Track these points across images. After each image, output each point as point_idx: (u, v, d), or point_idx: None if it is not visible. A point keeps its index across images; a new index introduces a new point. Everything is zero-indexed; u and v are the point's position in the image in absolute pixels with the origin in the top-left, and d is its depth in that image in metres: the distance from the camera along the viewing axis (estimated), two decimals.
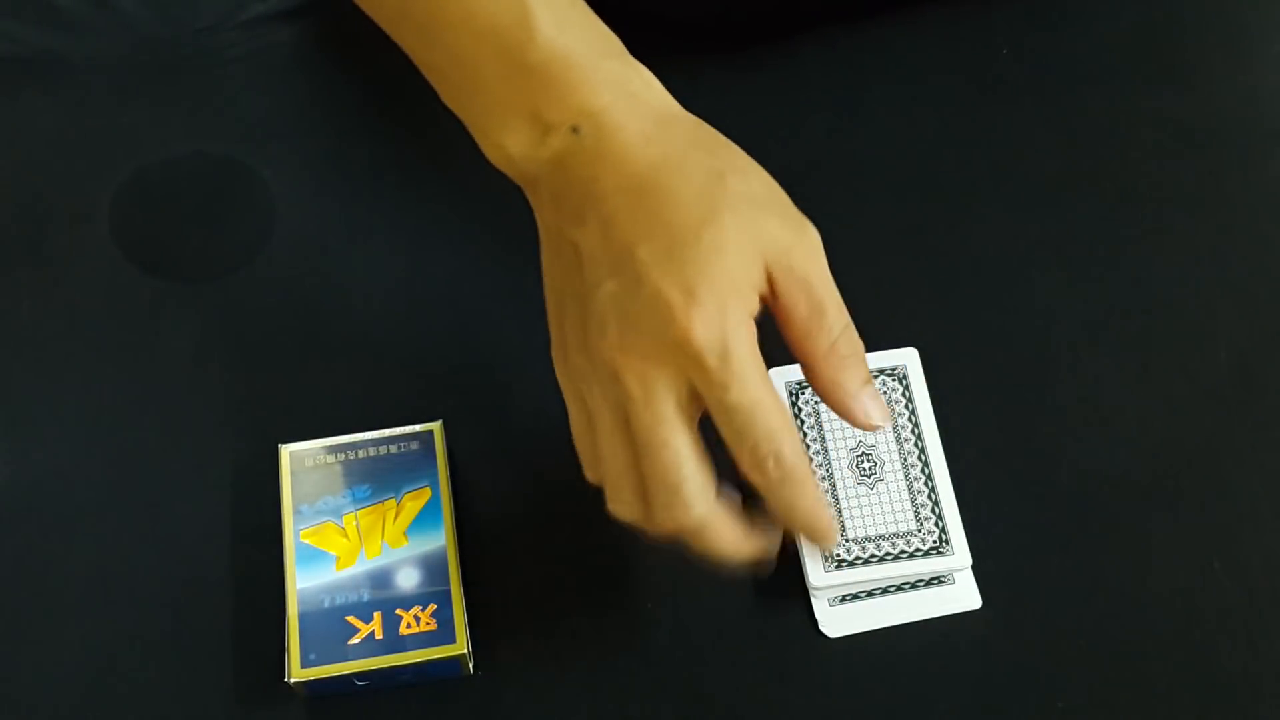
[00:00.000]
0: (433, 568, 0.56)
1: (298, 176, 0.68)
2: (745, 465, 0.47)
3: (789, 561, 0.58)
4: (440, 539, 0.57)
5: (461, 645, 0.55)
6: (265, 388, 0.63)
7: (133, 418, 0.63)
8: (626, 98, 0.48)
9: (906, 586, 0.58)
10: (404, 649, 0.55)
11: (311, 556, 0.56)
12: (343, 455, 0.59)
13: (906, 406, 0.60)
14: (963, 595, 0.58)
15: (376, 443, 0.59)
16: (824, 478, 0.58)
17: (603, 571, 0.59)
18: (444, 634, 0.55)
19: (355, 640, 0.55)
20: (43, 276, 0.66)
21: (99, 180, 0.68)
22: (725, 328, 0.46)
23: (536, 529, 0.60)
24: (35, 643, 0.58)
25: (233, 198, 0.68)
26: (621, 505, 0.49)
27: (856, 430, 0.59)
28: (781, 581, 0.58)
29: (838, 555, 0.57)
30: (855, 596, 0.58)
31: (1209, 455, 0.61)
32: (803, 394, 0.60)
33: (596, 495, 0.60)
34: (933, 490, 0.58)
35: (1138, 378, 0.63)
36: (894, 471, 0.59)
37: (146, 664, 0.57)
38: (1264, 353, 0.63)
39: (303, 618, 0.55)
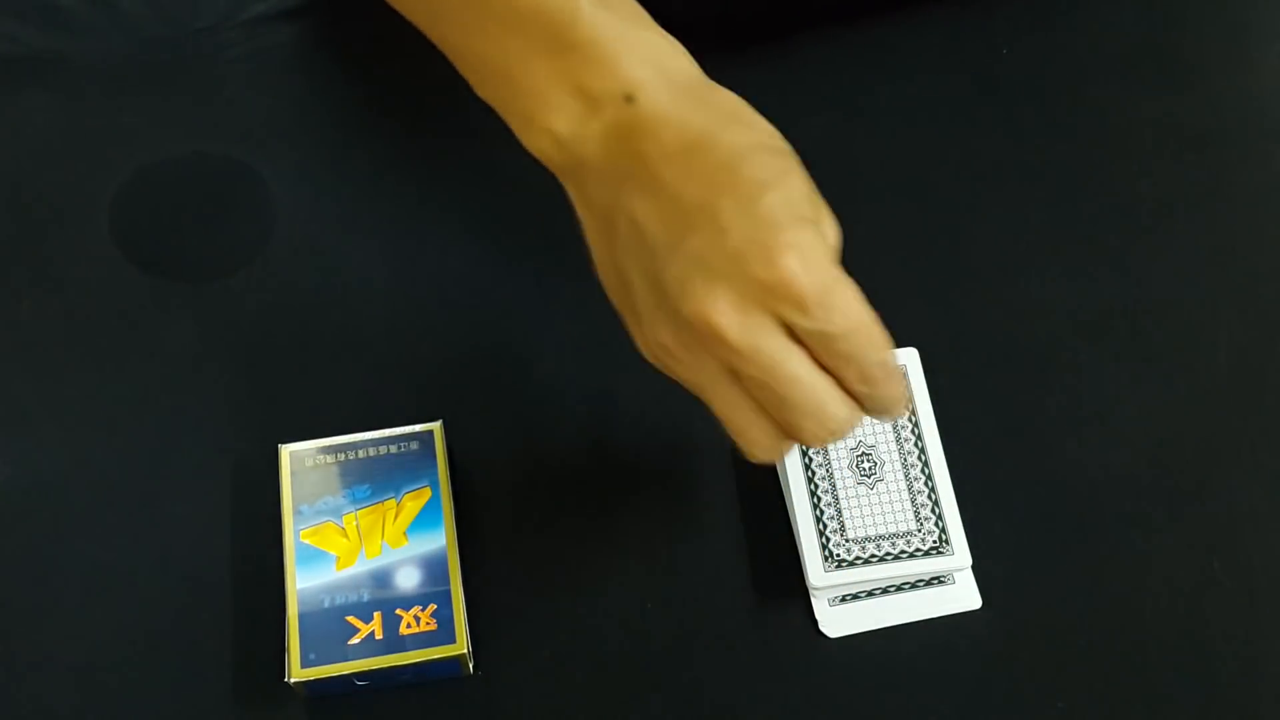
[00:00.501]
0: (433, 568, 0.56)
1: (298, 176, 0.68)
2: (851, 381, 0.47)
3: (789, 562, 0.59)
4: (440, 539, 0.57)
5: (461, 645, 0.55)
6: (265, 388, 0.63)
7: (133, 418, 0.63)
8: (671, 69, 0.48)
9: (906, 586, 0.58)
10: (404, 649, 0.55)
11: (311, 556, 0.56)
12: (343, 455, 0.59)
13: (906, 406, 0.60)
14: (963, 595, 0.58)
15: (376, 443, 0.59)
16: (824, 478, 0.59)
17: (602, 572, 0.59)
18: (444, 634, 0.55)
19: (355, 640, 0.55)
20: (43, 276, 0.66)
21: (99, 180, 0.68)
22: (821, 262, 0.45)
23: (536, 529, 0.60)
24: (35, 642, 0.58)
25: (233, 198, 0.68)
26: (763, 451, 0.48)
27: (857, 430, 0.59)
28: (781, 581, 0.58)
29: (838, 555, 0.57)
30: (855, 596, 0.58)
31: (1209, 455, 0.61)
32: None
33: (596, 495, 0.60)
34: (933, 490, 0.58)
35: (1138, 378, 0.63)
36: (894, 471, 0.59)
37: (146, 664, 0.57)
38: (1264, 353, 0.63)
39: (303, 618, 0.55)
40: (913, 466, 0.59)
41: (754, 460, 0.49)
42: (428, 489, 0.58)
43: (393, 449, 0.59)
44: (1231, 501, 0.60)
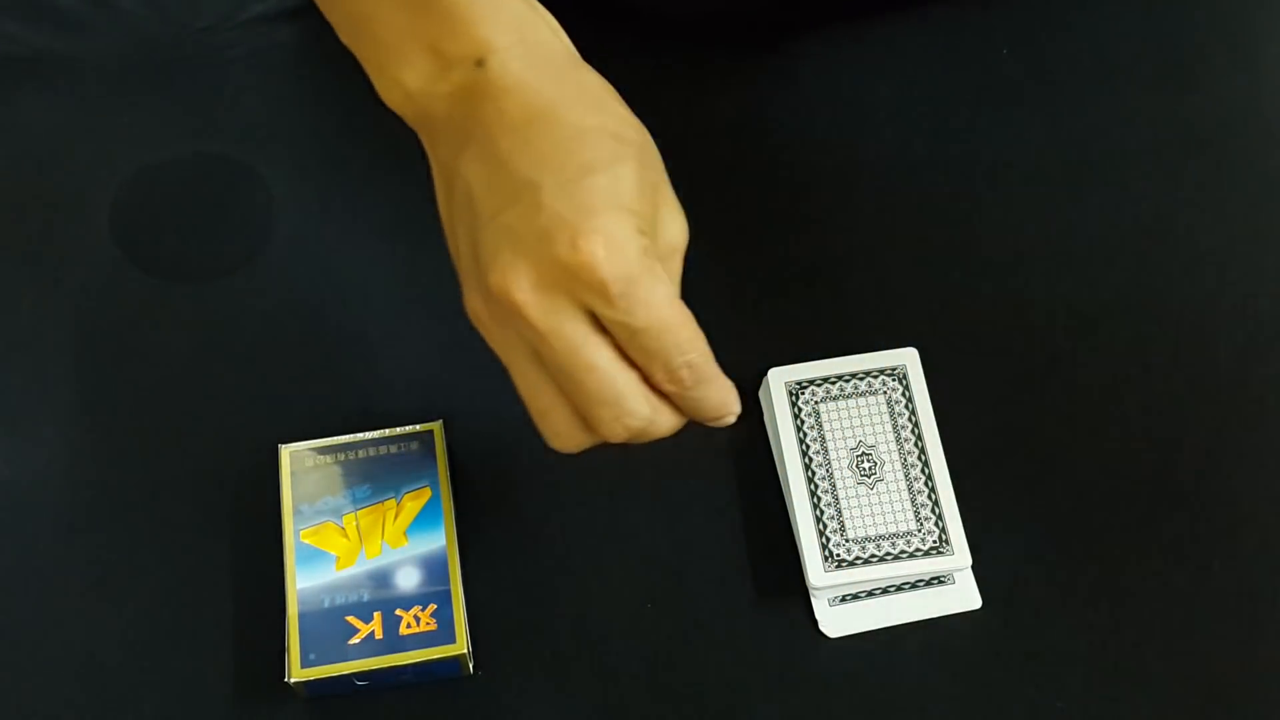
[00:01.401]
0: (433, 568, 0.56)
1: (298, 176, 0.68)
2: (658, 379, 0.46)
3: (789, 562, 0.59)
4: (440, 539, 0.57)
5: (461, 645, 0.55)
6: (265, 388, 0.63)
7: (133, 418, 0.63)
8: (531, 41, 0.47)
9: (906, 586, 0.58)
10: (404, 649, 0.55)
11: (311, 556, 0.56)
12: (343, 455, 0.59)
13: (906, 406, 0.60)
14: (963, 595, 0.58)
15: (376, 443, 0.59)
16: (824, 478, 0.58)
17: (602, 572, 0.59)
18: (444, 634, 0.55)
19: (355, 640, 0.55)
20: (43, 276, 0.66)
21: (99, 180, 0.68)
22: (628, 252, 0.44)
23: (536, 529, 0.60)
24: (35, 642, 0.58)
25: (233, 198, 0.68)
26: (561, 439, 0.48)
27: (857, 430, 0.59)
28: (781, 581, 0.58)
29: (838, 555, 0.57)
30: (855, 596, 0.58)
31: (1209, 455, 0.61)
32: (802, 394, 0.60)
33: (596, 495, 0.60)
34: (933, 490, 0.58)
35: (1138, 377, 0.63)
36: (894, 471, 0.59)
37: (146, 664, 0.57)
38: (1264, 353, 0.63)
39: (303, 618, 0.55)
40: (913, 466, 0.59)
41: (556, 448, 0.48)
42: (428, 489, 0.58)
43: (393, 449, 0.59)
44: (1231, 501, 0.60)
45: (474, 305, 0.47)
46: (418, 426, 0.59)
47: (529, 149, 0.45)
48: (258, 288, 0.65)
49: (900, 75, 0.70)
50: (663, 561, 0.59)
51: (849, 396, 0.60)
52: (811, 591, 0.58)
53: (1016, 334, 0.64)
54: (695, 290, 0.65)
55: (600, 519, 0.60)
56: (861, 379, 0.60)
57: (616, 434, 0.47)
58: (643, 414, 0.47)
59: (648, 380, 0.47)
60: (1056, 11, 0.71)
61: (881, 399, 0.60)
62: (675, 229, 0.48)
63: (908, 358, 0.61)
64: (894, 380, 0.60)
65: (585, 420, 0.47)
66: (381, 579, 0.56)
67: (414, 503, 0.58)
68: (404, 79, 0.48)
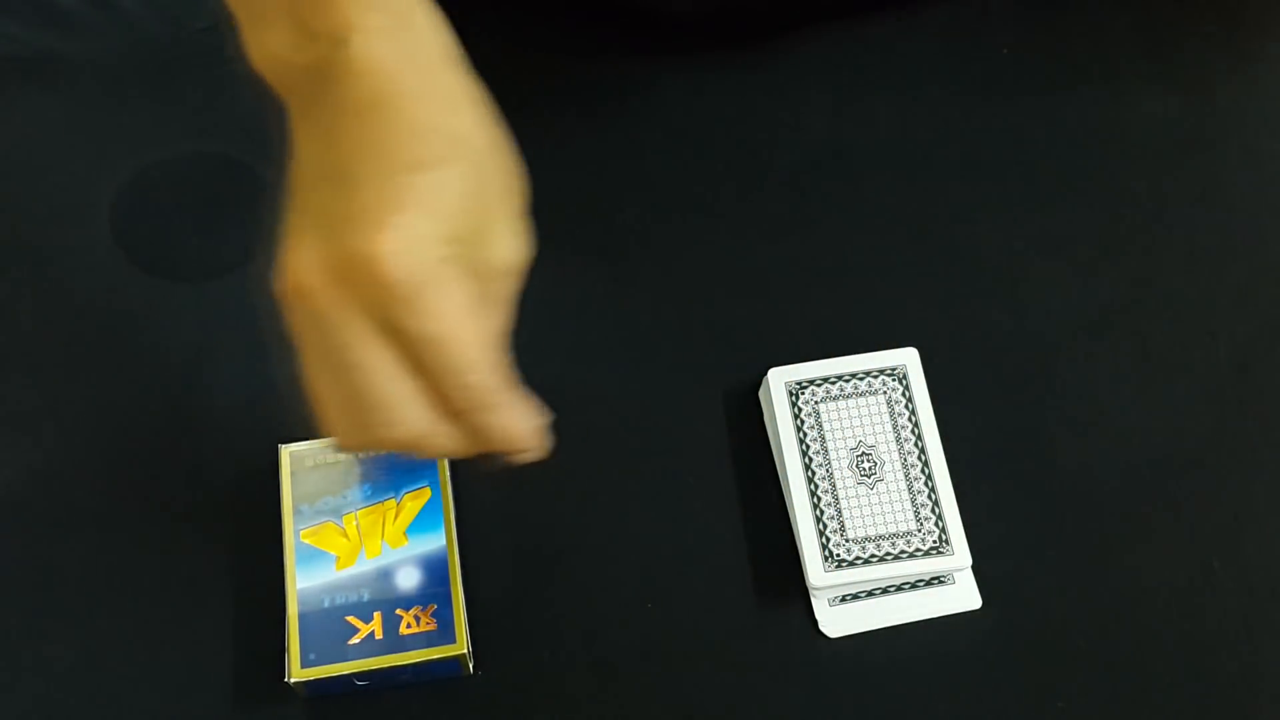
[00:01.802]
0: (433, 568, 0.56)
1: None
2: (434, 394, 0.44)
3: (789, 562, 0.59)
4: (440, 539, 0.57)
5: (461, 645, 0.55)
6: (265, 388, 0.63)
7: (133, 418, 0.63)
8: (403, 26, 0.46)
9: (906, 586, 0.58)
10: (404, 649, 0.55)
11: (311, 556, 0.56)
12: (342, 455, 0.59)
13: (906, 406, 0.60)
14: (963, 595, 0.58)
15: None
16: (824, 478, 0.58)
17: (602, 572, 0.59)
18: (444, 634, 0.55)
19: (355, 640, 0.55)
20: (43, 276, 0.66)
21: (99, 180, 0.68)
22: (422, 255, 0.42)
23: (536, 529, 0.60)
24: (35, 642, 0.58)
25: (233, 198, 0.68)
26: (337, 435, 0.46)
27: (856, 430, 0.59)
28: (781, 581, 0.58)
29: (838, 555, 0.57)
30: (855, 596, 0.58)
31: (1209, 455, 0.61)
32: (802, 394, 0.60)
33: (596, 495, 0.60)
34: (933, 490, 0.58)
35: (1138, 377, 0.63)
36: (894, 471, 0.59)
37: (146, 664, 0.57)
38: (1264, 353, 0.63)
39: (303, 618, 0.55)
40: (913, 466, 0.59)
41: (334, 444, 0.47)
42: (428, 489, 0.58)
43: None
44: (1231, 501, 0.60)
45: (277, 275, 0.45)
46: None
47: (362, 135, 0.44)
48: (257, 288, 0.65)
49: (900, 75, 0.70)
50: (663, 561, 0.59)
51: (849, 396, 0.60)
52: (811, 591, 0.58)
53: (1016, 334, 0.64)
54: (696, 290, 0.65)
55: (600, 519, 0.60)
56: (861, 379, 0.60)
57: (386, 440, 0.45)
58: (415, 426, 0.44)
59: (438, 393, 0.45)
60: (1056, 11, 0.71)
61: (881, 399, 0.60)
62: (505, 249, 0.46)
63: (908, 358, 0.61)
64: (894, 380, 0.60)
65: (360, 420, 0.45)
66: (381, 579, 0.56)
67: (414, 503, 0.58)
68: (267, 43, 0.47)
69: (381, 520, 0.57)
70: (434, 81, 0.46)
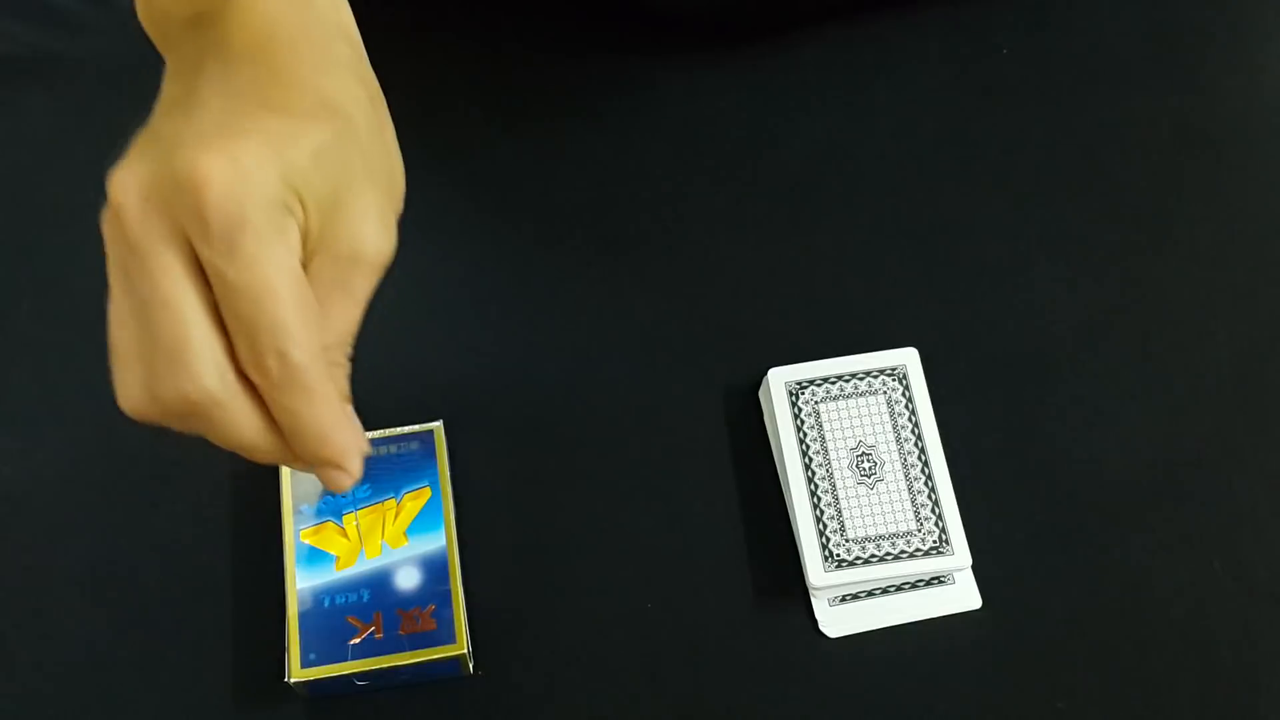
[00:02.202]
0: (433, 568, 0.56)
1: None
2: (242, 358, 0.39)
3: (789, 562, 0.59)
4: (440, 539, 0.57)
5: (461, 645, 0.55)
6: None
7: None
8: None
9: (906, 586, 0.58)
10: (404, 649, 0.55)
11: (311, 556, 0.56)
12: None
13: (906, 406, 0.60)
14: (963, 595, 0.58)
15: (376, 443, 0.59)
16: (824, 478, 0.58)
17: (602, 571, 0.59)
18: (444, 634, 0.55)
19: (355, 640, 0.55)
20: (43, 276, 0.66)
21: (99, 180, 0.68)
22: (252, 190, 0.38)
23: (536, 529, 0.60)
24: (34, 642, 0.58)
25: None
26: (124, 389, 0.41)
27: (857, 430, 0.59)
28: (781, 581, 0.58)
29: (838, 555, 0.57)
30: (855, 596, 0.58)
31: (1209, 455, 0.61)
32: (802, 394, 0.60)
33: (596, 495, 0.60)
34: (933, 490, 0.58)
35: (1138, 378, 0.63)
36: (894, 471, 0.59)
37: (146, 664, 0.57)
38: (1264, 353, 0.63)
39: (303, 618, 0.55)
40: (913, 466, 0.59)
41: (121, 404, 0.41)
42: (428, 489, 0.58)
43: (393, 449, 0.59)
44: (1231, 501, 0.60)
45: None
46: (418, 426, 0.59)
47: (226, 76, 0.41)
48: None
49: (900, 75, 0.70)
50: (663, 561, 0.59)
51: (849, 396, 0.60)
52: (811, 591, 0.58)
53: (1016, 334, 0.64)
54: (696, 290, 0.65)
55: (600, 519, 0.60)
56: (861, 379, 0.60)
57: (173, 398, 0.39)
58: (206, 384, 0.39)
59: (237, 361, 0.39)
60: (1056, 11, 0.71)
61: (881, 399, 0.60)
62: (366, 234, 0.41)
63: (908, 358, 0.61)
64: (894, 380, 0.60)
65: (149, 369, 0.40)
66: (381, 579, 0.56)
67: (414, 503, 0.58)
68: None
69: (381, 520, 0.57)
70: (319, 45, 0.42)
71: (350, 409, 0.43)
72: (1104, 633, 0.57)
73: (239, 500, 0.60)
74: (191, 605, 0.58)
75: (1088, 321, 0.64)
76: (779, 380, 0.60)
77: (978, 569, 0.58)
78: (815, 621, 0.58)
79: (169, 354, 0.39)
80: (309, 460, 0.42)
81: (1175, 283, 0.65)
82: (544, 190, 0.68)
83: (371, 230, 0.42)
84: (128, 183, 0.39)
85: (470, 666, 0.56)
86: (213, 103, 0.40)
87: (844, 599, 0.58)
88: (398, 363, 0.63)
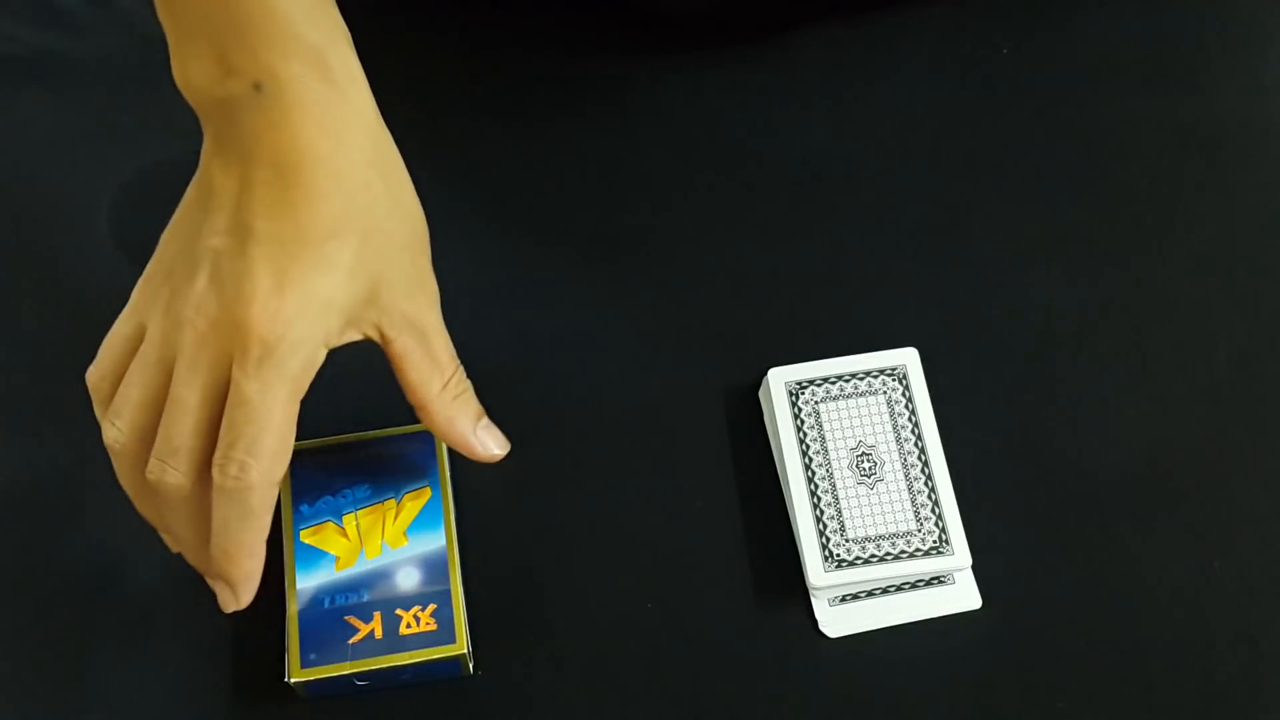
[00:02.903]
0: (433, 568, 0.56)
1: None
2: (216, 455, 0.48)
3: (789, 562, 0.59)
4: (440, 539, 0.57)
5: (462, 645, 0.55)
6: None
7: None
8: (322, 80, 0.47)
9: (906, 586, 0.58)
10: (404, 649, 0.55)
11: (311, 556, 0.56)
12: (342, 455, 0.59)
13: (906, 406, 0.60)
14: (963, 595, 0.58)
15: (376, 442, 0.59)
16: (824, 478, 0.59)
17: (602, 571, 0.59)
18: (444, 634, 0.55)
19: (355, 640, 0.55)
20: (43, 277, 0.66)
21: (99, 180, 0.68)
22: (288, 335, 0.47)
23: (536, 529, 0.60)
24: (34, 643, 0.58)
25: None
26: (113, 429, 0.50)
27: (857, 430, 0.59)
28: (781, 581, 0.58)
29: (838, 555, 0.57)
30: (855, 596, 0.58)
31: (1209, 455, 0.61)
32: (802, 394, 0.60)
33: (596, 494, 0.60)
34: (933, 490, 0.58)
35: (1138, 377, 0.63)
36: (894, 471, 0.59)
37: (146, 664, 0.57)
38: (1264, 353, 0.63)
39: (302, 618, 0.55)
40: (913, 466, 0.59)
41: (103, 430, 0.51)
42: (428, 489, 0.58)
43: (393, 449, 0.59)
44: (1231, 501, 0.60)
45: (159, 291, 0.50)
46: (418, 426, 0.59)
47: (266, 191, 0.47)
48: None
49: (900, 75, 0.70)
50: (663, 561, 0.59)
51: (849, 396, 0.60)
52: (811, 591, 0.58)
53: (1016, 334, 0.64)
54: (696, 290, 0.65)
55: (600, 519, 0.60)
56: (861, 379, 0.60)
57: (150, 469, 0.49)
58: (175, 471, 0.49)
59: (204, 461, 0.49)
60: (1056, 11, 0.71)
61: (881, 399, 0.60)
62: (414, 305, 0.51)
63: (908, 358, 0.61)
64: (894, 380, 0.60)
65: (137, 435, 0.50)
66: (381, 579, 0.56)
67: (414, 503, 0.58)
68: (189, 69, 0.49)
69: (381, 520, 0.57)
70: (339, 144, 0.48)
71: (484, 423, 0.55)
72: (1104, 633, 0.57)
73: None
74: (191, 605, 0.58)
75: (1087, 321, 0.64)
76: (779, 380, 0.60)
77: (978, 569, 0.58)
78: (815, 621, 0.58)
79: (166, 439, 0.49)
80: (214, 567, 0.51)
81: (1175, 283, 0.65)
82: (544, 190, 0.68)
83: (413, 297, 0.51)
84: (201, 311, 0.47)
85: (470, 667, 0.56)
86: (260, 230, 0.47)
87: (844, 599, 0.58)
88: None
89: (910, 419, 0.60)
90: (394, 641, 0.55)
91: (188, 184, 0.68)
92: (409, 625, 0.55)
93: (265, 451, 0.48)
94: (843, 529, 0.57)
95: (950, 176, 0.68)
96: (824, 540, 0.57)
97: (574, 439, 0.62)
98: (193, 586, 0.59)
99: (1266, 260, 0.66)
